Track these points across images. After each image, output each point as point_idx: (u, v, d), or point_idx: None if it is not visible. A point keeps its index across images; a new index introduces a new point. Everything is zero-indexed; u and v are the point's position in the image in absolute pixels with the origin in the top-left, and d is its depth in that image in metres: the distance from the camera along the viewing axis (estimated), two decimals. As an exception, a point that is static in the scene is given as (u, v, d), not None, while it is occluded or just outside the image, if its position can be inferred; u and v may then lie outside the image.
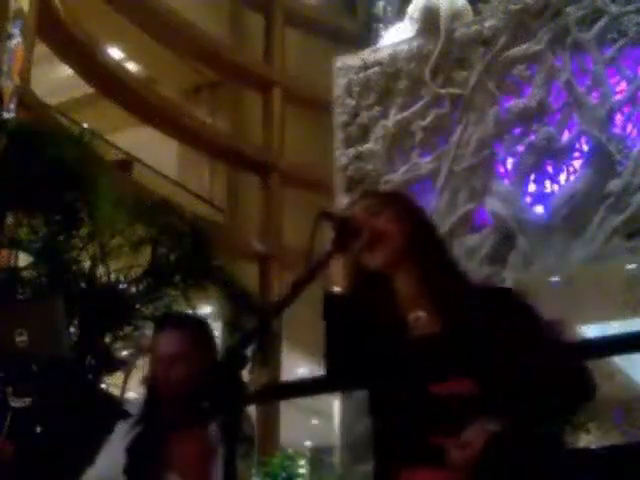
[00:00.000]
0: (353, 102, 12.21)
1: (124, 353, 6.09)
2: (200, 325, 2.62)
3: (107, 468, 2.51)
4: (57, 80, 16.50)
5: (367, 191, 2.18)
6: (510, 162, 10.90)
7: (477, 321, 1.87)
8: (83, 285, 5.95)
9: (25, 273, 6.13)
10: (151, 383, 2.53)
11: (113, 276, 6.10)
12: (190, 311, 6.05)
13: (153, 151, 17.04)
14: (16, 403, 3.76)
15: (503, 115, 10.96)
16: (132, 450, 2.45)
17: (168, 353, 2.47)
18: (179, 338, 2.49)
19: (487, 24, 11.37)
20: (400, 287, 1.97)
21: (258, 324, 1.92)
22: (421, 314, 1.94)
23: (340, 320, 1.95)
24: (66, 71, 16.50)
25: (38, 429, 4.31)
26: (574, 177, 10.38)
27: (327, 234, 1.97)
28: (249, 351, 1.74)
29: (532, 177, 10.68)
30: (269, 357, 6.58)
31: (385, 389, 1.91)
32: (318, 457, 16.72)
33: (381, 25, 13.56)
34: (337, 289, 1.96)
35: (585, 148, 10.42)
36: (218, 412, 2.18)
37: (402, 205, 2.04)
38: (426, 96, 11.59)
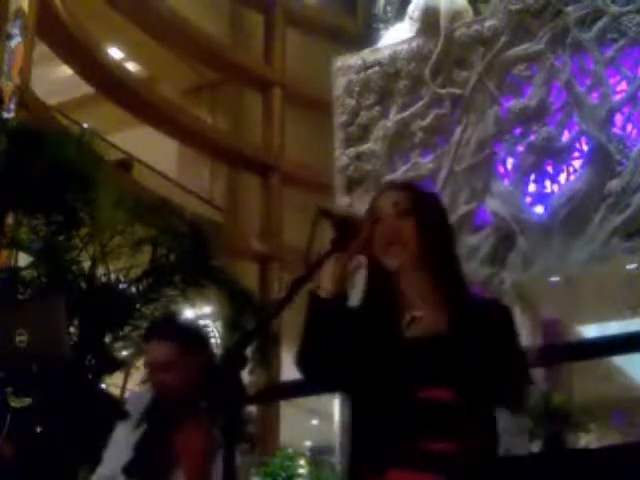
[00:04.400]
0: (353, 102, 12.21)
1: (124, 353, 6.08)
2: (186, 332, 2.67)
3: (109, 466, 2.53)
4: (57, 80, 16.49)
5: (397, 183, 2.15)
6: (510, 162, 10.89)
7: (471, 329, 1.87)
8: (83, 285, 5.95)
9: (25, 273, 6.12)
10: (151, 387, 2.59)
11: (113, 276, 6.10)
12: (186, 313, 6.07)
13: (153, 151, 17.04)
14: (16, 403, 3.77)
15: (503, 115, 10.95)
16: (137, 449, 2.49)
17: (156, 362, 2.55)
18: (162, 348, 2.56)
19: (487, 24, 11.36)
20: (404, 288, 1.97)
21: (257, 324, 1.93)
22: (418, 314, 1.94)
23: (325, 321, 1.93)
24: (66, 71, 16.50)
25: (38, 429, 4.31)
26: (574, 177, 10.37)
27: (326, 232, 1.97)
28: (248, 351, 1.74)
29: (532, 177, 10.68)
30: (269, 357, 6.57)
31: (371, 390, 1.90)
32: (318, 457, 16.70)
33: (381, 25, 13.55)
34: (324, 291, 1.93)
35: (585, 148, 10.42)
36: (218, 413, 2.19)
37: (430, 209, 2.02)
38: (426, 96, 11.58)
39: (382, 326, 1.94)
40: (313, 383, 2.00)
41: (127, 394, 5.57)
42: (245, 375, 1.73)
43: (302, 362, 1.95)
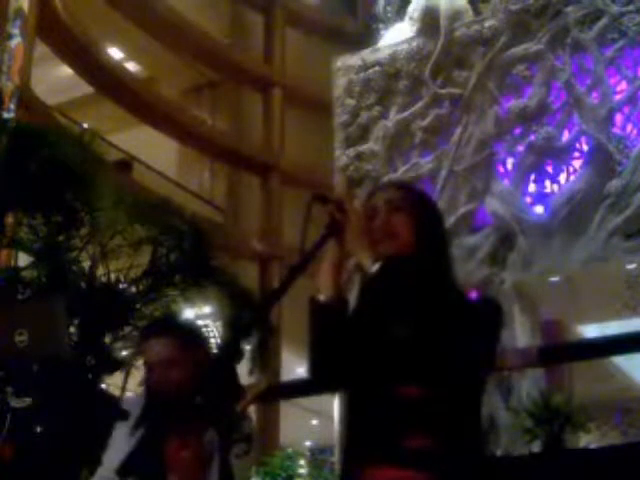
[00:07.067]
0: (353, 102, 12.21)
1: (124, 353, 6.09)
2: (185, 329, 2.67)
3: (109, 467, 2.53)
4: (57, 80, 16.50)
5: (390, 182, 2.21)
6: (510, 162, 10.88)
7: (457, 330, 1.88)
8: (83, 285, 5.95)
9: (25, 273, 6.13)
10: (147, 388, 2.58)
11: (113, 276, 6.11)
12: (186, 313, 6.07)
13: (153, 151, 17.05)
14: (16, 403, 3.77)
15: (503, 115, 10.95)
16: (132, 452, 2.47)
17: (155, 360, 2.54)
18: (164, 345, 2.55)
19: (487, 24, 11.36)
20: None
21: (255, 313, 1.93)
22: None
23: (326, 326, 1.95)
24: (66, 71, 16.51)
25: (38, 429, 4.31)
26: (574, 177, 10.36)
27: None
28: (245, 344, 1.74)
29: (532, 177, 10.67)
30: (267, 352, 6.57)
31: (359, 388, 1.93)
32: (318, 457, 16.71)
33: (381, 25, 13.54)
34: (323, 296, 1.95)
35: (585, 148, 10.41)
36: (214, 410, 2.19)
37: (422, 207, 2.06)
38: (426, 96, 11.58)
39: (368, 323, 1.95)
40: (327, 389, 2.05)
41: (125, 397, 5.57)
42: (242, 371, 1.72)
43: (313, 372, 1.98)
